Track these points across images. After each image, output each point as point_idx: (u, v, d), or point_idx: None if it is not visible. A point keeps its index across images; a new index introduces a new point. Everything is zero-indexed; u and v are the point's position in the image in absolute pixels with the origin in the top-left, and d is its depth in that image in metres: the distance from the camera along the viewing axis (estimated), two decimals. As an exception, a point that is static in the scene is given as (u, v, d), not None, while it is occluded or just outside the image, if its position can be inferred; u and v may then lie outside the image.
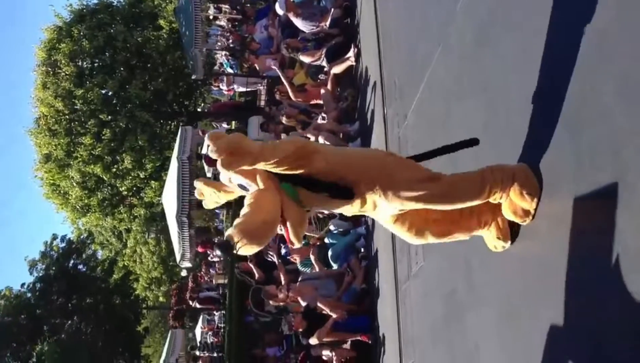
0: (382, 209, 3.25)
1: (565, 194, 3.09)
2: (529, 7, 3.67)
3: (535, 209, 3.27)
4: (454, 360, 4.65)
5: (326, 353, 7.91)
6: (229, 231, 2.90)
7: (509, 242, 3.50)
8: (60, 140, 22.89)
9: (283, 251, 10.10)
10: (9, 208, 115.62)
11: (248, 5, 16.45)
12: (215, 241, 20.02)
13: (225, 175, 3.09)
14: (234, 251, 2.87)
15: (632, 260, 2.53)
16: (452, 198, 3.21)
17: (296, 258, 8.92)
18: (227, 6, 20.70)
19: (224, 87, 17.48)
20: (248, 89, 16.62)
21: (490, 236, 3.57)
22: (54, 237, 37.79)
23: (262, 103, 16.59)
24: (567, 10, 3.22)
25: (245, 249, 2.87)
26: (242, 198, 3.23)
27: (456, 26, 4.82)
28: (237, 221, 2.92)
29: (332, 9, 9.69)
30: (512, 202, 3.30)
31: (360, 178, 3.12)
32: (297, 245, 3.17)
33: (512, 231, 3.48)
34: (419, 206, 3.19)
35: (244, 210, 2.92)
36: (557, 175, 3.18)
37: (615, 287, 2.64)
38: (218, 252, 3.12)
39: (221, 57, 19.83)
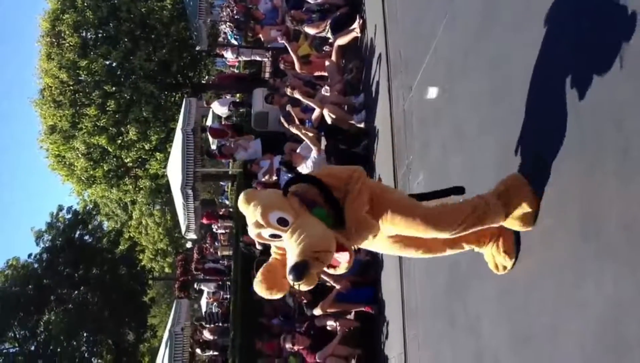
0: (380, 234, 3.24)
1: (568, 171, 3.09)
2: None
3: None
4: (456, 331, 4.70)
5: (330, 324, 7.99)
6: (296, 259, 2.72)
7: (513, 260, 3.51)
8: (65, 111, 22.85)
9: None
10: (15, 180, 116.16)
11: (252, -24, 16.21)
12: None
13: (254, 231, 2.97)
14: (307, 273, 2.69)
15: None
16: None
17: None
18: (231, -23, 20.49)
19: (228, 55, 17.39)
20: (253, 58, 16.52)
21: (492, 253, 3.60)
22: (60, 208, 37.98)
23: (267, 75, 16.51)
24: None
25: (318, 265, 2.74)
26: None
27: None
28: (298, 245, 2.75)
29: (337, -21, 9.59)
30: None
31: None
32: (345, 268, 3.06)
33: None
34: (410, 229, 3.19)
35: (294, 237, 2.79)
36: (562, 150, 3.17)
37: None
38: (290, 277, 2.87)
39: (225, 28, 19.67)
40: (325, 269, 2.90)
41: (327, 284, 7.53)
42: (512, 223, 3.34)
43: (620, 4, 2.74)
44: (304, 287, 2.75)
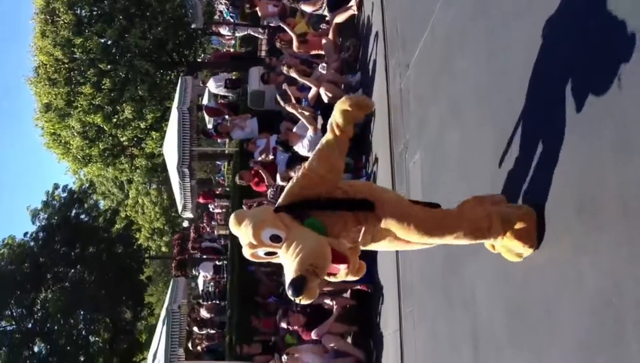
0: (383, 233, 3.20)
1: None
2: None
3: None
4: (452, 308, 4.73)
5: (327, 302, 8.04)
6: (292, 274, 2.68)
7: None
8: (60, 89, 22.72)
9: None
10: (11, 158, 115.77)
11: (248, -47, 16.04)
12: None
13: (249, 252, 2.94)
14: (306, 287, 2.63)
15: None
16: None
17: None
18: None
19: (224, 32, 17.26)
20: (249, 33, 16.43)
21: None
22: (56, 187, 37.87)
23: (263, 53, 16.41)
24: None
25: (316, 278, 2.68)
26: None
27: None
28: (293, 260, 2.72)
29: (334, -44, 9.48)
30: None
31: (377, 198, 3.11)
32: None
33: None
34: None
35: (289, 252, 2.75)
36: (561, 128, 3.17)
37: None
38: (290, 293, 2.85)
39: (221, 5, 19.50)
40: (325, 277, 2.87)
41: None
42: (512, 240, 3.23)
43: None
44: (305, 301, 2.71)
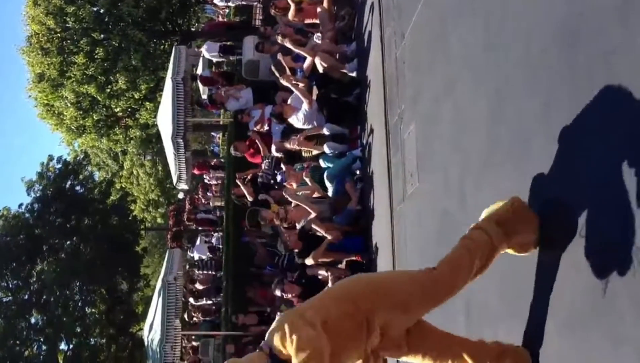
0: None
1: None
2: None
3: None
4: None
5: (322, 273, 8.06)
6: None
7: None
8: (53, 59, 22.46)
9: (279, 178, 10.12)
10: (4, 130, 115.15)
11: None
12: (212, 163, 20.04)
13: None
14: None
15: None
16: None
17: (293, 184, 8.94)
18: None
19: (218, 1, 17.04)
20: (243, 3, 16.22)
21: None
22: (50, 158, 37.67)
23: (258, 22, 16.22)
24: None
25: None
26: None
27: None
28: None
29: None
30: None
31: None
32: None
33: None
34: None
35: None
36: (555, 101, 3.12)
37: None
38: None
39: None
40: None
41: (318, 234, 7.55)
42: (510, 249, 3.20)
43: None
44: None
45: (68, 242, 37.51)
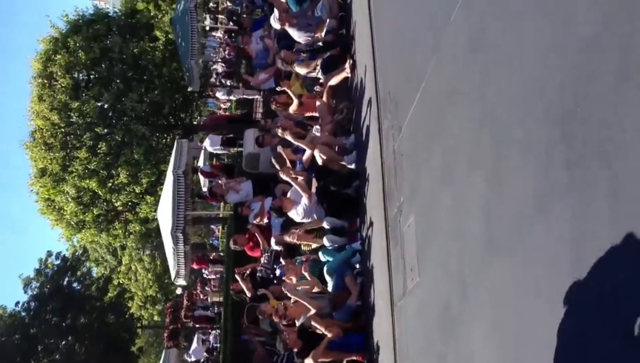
0: None
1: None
2: (523, 22, 3.55)
3: None
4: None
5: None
6: None
7: None
8: (56, 154, 22.73)
9: (278, 272, 9.91)
10: (5, 224, 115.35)
11: (244, 16, 16.36)
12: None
13: None
14: None
15: None
16: None
17: (292, 278, 8.72)
18: (223, 17, 20.69)
19: (220, 95, 17.39)
20: (244, 95, 16.56)
21: None
22: (49, 254, 37.46)
23: (258, 115, 16.46)
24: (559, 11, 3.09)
25: None
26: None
27: (451, 37, 4.70)
28: None
29: (328, 20, 9.54)
30: None
31: None
32: None
33: None
34: None
35: None
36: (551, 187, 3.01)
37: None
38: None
39: (217, 66, 19.81)
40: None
41: (318, 331, 7.25)
42: None
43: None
44: None
45: (63, 342, 36.66)
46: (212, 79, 21.07)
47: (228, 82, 18.07)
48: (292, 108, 10.09)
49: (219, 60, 21.03)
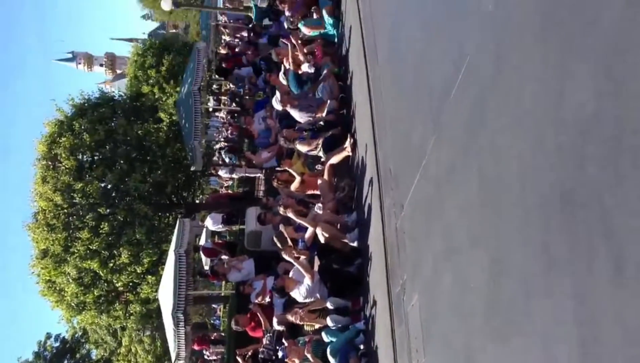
0: None
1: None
2: (519, 104, 3.64)
3: None
4: None
5: None
6: None
7: None
8: (58, 235, 22.68)
9: (280, 353, 9.71)
10: (6, 306, 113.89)
11: (247, 97, 16.71)
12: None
13: None
14: None
15: None
16: None
17: (295, 360, 8.53)
18: (226, 98, 21.14)
19: (222, 173, 17.53)
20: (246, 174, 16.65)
21: None
22: (48, 336, 36.62)
23: (261, 193, 16.55)
24: (555, 88, 3.15)
25: None
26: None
27: (450, 115, 4.77)
28: None
29: (329, 101, 9.74)
30: None
31: None
32: None
33: None
34: None
35: None
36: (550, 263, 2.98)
37: None
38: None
39: (220, 146, 20.06)
40: None
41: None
42: None
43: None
44: None
45: None
46: (215, 158, 21.30)
47: (229, 158, 18.25)
48: (294, 186, 10.14)
49: (222, 139, 21.35)
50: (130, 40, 68.09)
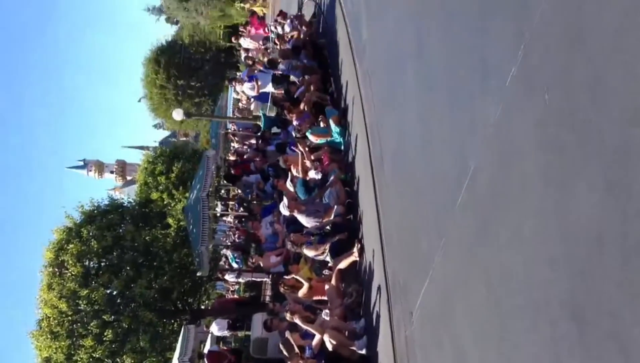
0: None
1: None
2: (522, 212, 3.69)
3: None
4: None
5: None
6: None
7: None
8: (61, 342, 22.35)
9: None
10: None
11: (254, 202, 16.93)
12: None
13: None
14: None
15: None
16: None
17: None
18: (234, 203, 21.40)
19: (229, 277, 17.41)
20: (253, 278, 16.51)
21: None
22: None
23: (267, 298, 16.38)
24: (559, 200, 3.19)
25: None
26: None
27: (456, 223, 4.83)
28: None
29: (335, 206, 9.84)
30: None
31: None
32: None
33: None
34: None
35: None
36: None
37: None
38: None
39: (227, 251, 20.05)
40: None
41: None
42: None
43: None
44: None
45: None
46: (221, 263, 21.27)
47: (236, 262, 18.21)
48: (302, 292, 10.07)
49: (229, 244, 21.43)
50: (142, 148, 69.86)
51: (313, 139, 11.29)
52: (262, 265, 13.70)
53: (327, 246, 9.65)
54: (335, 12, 12.00)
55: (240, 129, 20.88)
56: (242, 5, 31.04)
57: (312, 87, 12.22)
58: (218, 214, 21.45)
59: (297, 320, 8.92)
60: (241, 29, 19.05)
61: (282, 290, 10.92)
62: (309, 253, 10.14)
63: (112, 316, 22.36)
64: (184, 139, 71.91)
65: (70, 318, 22.50)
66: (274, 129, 15.88)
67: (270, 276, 15.23)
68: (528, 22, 3.57)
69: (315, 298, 9.96)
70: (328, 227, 10.01)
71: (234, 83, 14.91)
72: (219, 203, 21.44)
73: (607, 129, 2.84)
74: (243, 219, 20.75)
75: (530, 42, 3.55)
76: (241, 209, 19.43)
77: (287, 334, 9.36)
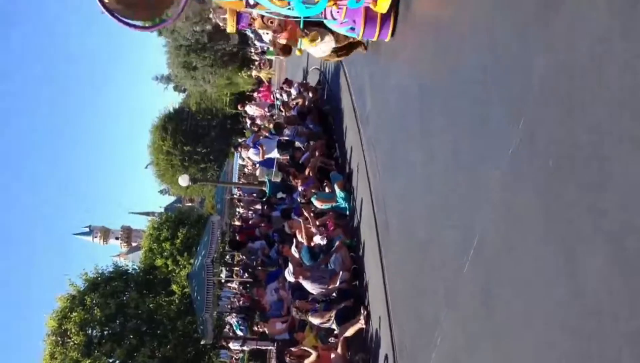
0: None
1: None
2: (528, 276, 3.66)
3: None
4: None
5: None
6: None
7: None
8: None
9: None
10: None
11: (259, 268, 16.82)
12: None
13: None
14: None
15: None
16: None
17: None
18: (238, 269, 21.27)
19: (233, 345, 17.13)
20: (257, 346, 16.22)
21: None
22: None
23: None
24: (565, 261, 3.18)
25: None
26: None
27: (463, 290, 4.78)
28: None
29: (341, 272, 9.78)
30: None
31: None
32: None
33: None
34: None
35: None
36: None
37: None
38: None
39: (231, 318, 19.79)
40: None
41: None
42: None
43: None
44: None
45: None
46: (226, 330, 20.96)
47: (240, 329, 17.93)
48: (309, 361, 9.89)
49: (233, 310, 21.18)
50: (147, 214, 70.03)
51: (318, 204, 11.33)
52: (267, 331, 13.50)
53: (333, 314, 9.53)
54: (339, 81, 12.24)
55: (246, 194, 20.99)
56: (249, 73, 31.75)
57: (317, 153, 12.35)
58: (223, 281, 21.29)
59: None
60: (255, 95, 19.44)
61: (288, 361, 10.73)
62: (315, 320, 10.02)
63: (115, 387, 21.96)
64: (190, 204, 72.15)
65: (71, 389, 22.09)
66: (280, 195, 15.95)
67: (275, 344, 14.97)
68: (529, 90, 3.63)
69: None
70: (334, 294, 9.91)
71: (239, 149, 15.07)
72: (223, 268, 21.31)
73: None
74: (248, 284, 20.58)
75: (532, 109, 3.61)
76: (246, 275, 19.30)
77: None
